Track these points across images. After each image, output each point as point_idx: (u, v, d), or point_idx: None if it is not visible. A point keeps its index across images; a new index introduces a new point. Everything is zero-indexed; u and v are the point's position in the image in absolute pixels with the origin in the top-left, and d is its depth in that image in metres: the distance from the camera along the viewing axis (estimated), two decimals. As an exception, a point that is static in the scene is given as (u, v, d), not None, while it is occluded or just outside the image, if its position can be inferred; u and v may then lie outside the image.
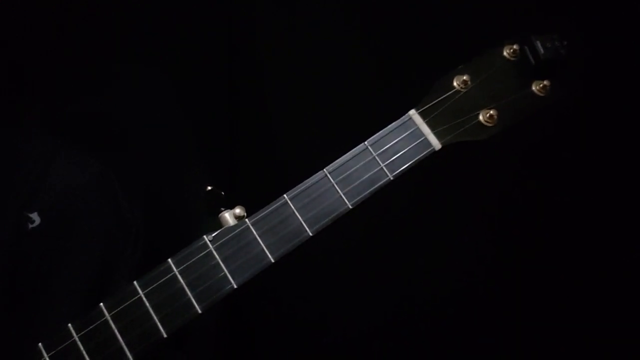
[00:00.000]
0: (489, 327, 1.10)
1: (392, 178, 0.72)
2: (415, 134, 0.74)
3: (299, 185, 0.72)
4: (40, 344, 0.67)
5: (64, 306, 0.79)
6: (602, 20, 1.02)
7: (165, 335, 0.67)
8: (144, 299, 0.68)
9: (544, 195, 1.09)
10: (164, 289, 0.68)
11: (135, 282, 0.69)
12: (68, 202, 0.84)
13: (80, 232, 0.84)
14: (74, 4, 1.01)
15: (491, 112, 0.74)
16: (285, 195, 0.72)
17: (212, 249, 0.70)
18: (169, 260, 0.69)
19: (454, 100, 0.75)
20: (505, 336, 1.09)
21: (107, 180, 0.88)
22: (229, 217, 0.71)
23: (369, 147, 0.73)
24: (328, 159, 0.73)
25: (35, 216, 0.80)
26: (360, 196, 0.72)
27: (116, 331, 0.67)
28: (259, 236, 0.70)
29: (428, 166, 0.74)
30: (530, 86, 0.76)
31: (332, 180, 0.72)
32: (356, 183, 0.72)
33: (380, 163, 0.73)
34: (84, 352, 0.67)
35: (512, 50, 0.76)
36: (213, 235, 0.71)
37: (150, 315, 0.68)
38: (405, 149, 0.73)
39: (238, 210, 0.71)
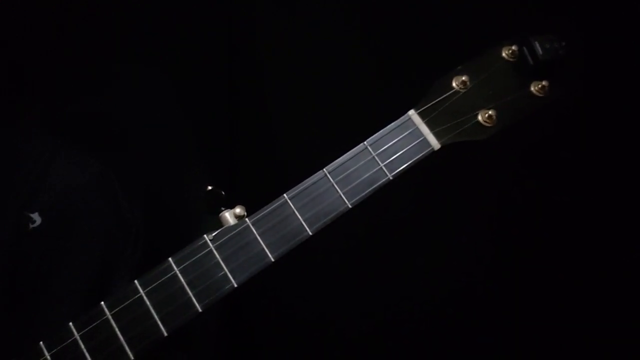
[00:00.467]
0: (488, 326, 1.10)
1: (391, 178, 0.73)
2: (414, 134, 0.74)
3: (298, 185, 0.72)
4: (41, 342, 0.67)
5: (64, 306, 0.80)
6: (600, 21, 1.02)
7: (165, 334, 0.68)
8: (145, 297, 0.68)
9: (543, 194, 1.09)
10: (165, 288, 0.69)
11: (135, 281, 0.69)
12: (68, 202, 0.84)
13: (81, 232, 0.84)
14: (74, 4, 1.01)
15: (490, 112, 0.74)
16: (285, 195, 0.72)
17: (213, 248, 0.70)
18: (170, 259, 0.70)
19: (453, 101, 0.75)
20: (504, 336, 1.09)
21: (107, 180, 0.89)
22: (229, 216, 0.72)
23: (369, 147, 0.74)
24: (328, 159, 0.73)
25: (35, 216, 0.80)
26: (360, 196, 0.72)
27: (117, 330, 0.67)
28: (259, 235, 0.71)
29: (427, 166, 0.74)
30: (529, 86, 0.76)
31: (331, 180, 0.72)
32: (356, 183, 0.72)
33: (380, 163, 0.73)
34: (85, 351, 0.67)
35: (510, 51, 0.76)
36: (213, 234, 0.71)
37: (151, 314, 0.68)
38: (405, 149, 0.74)
39: (238, 210, 0.72)
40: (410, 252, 1.15)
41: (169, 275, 0.69)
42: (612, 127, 1.05)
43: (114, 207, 0.89)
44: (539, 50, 0.75)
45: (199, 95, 1.14)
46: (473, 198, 1.13)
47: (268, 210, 0.72)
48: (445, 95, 0.75)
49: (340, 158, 0.73)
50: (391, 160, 0.73)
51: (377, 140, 0.74)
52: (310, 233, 0.71)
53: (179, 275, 0.69)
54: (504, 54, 0.76)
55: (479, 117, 0.75)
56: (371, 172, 0.73)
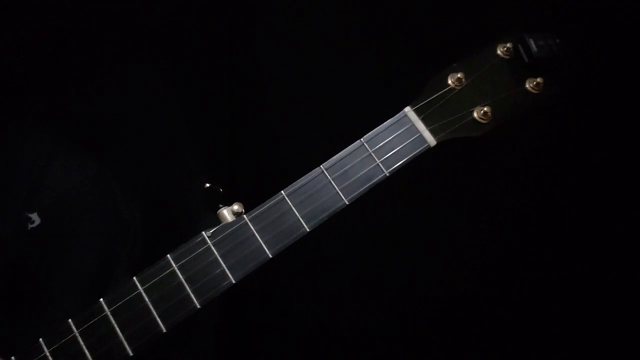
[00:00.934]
0: (487, 326, 1.10)
1: (387, 174, 0.73)
2: (410, 130, 0.74)
3: (296, 182, 0.73)
4: (40, 339, 0.68)
5: (63, 305, 0.80)
6: (594, 18, 1.02)
7: (164, 330, 0.68)
8: (144, 294, 0.69)
9: (542, 194, 1.09)
10: (164, 284, 0.69)
11: (134, 278, 0.70)
12: (67, 202, 0.84)
13: (79, 232, 0.84)
14: (74, 4, 1.01)
15: (485, 109, 0.75)
16: (282, 192, 0.72)
17: (211, 245, 0.71)
18: (168, 255, 0.70)
19: (448, 98, 0.76)
20: (504, 336, 1.09)
21: (105, 181, 0.89)
22: (227, 213, 0.72)
23: (365, 144, 0.74)
24: (325, 156, 0.73)
25: (35, 216, 0.81)
26: (357, 192, 0.73)
27: (116, 326, 0.68)
28: (257, 232, 0.71)
29: (425, 164, 0.75)
30: (524, 83, 0.76)
31: (328, 177, 0.73)
32: (352, 179, 0.73)
33: (376, 159, 0.73)
34: (84, 347, 0.67)
35: (505, 48, 0.77)
36: (211, 231, 0.71)
37: (150, 310, 0.68)
38: (401, 146, 0.74)
39: (236, 207, 0.72)
40: (409, 251, 1.15)
41: (167, 272, 0.69)
42: (608, 123, 1.05)
43: (112, 208, 0.89)
44: (534, 48, 0.75)
45: (196, 92, 1.14)
46: (472, 196, 1.13)
47: (266, 207, 0.72)
48: (440, 92, 0.76)
49: (337, 155, 0.74)
50: (387, 157, 0.74)
51: (373, 137, 0.74)
52: (308, 229, 0.71)
53: (178, 271, 0.70)
54: (499, 51, 0.77)
55: (475, 114, 0.75)
56: (368, 168, 0.73)
